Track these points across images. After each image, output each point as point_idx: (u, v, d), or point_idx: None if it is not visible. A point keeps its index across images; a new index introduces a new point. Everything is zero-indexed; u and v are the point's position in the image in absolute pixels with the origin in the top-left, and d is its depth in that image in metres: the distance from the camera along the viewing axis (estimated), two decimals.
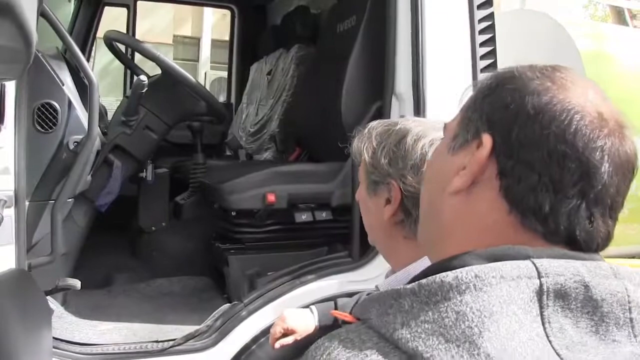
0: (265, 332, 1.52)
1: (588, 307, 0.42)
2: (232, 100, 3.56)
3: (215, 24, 10.59)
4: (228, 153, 3.12)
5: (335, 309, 1.18)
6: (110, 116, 2.28)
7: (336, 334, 0.46)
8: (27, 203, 1.35)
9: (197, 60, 11.13)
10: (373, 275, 1.63)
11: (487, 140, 0.48)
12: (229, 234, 1.98)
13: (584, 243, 0.47)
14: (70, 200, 1.66)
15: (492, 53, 1.67)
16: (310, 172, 1.98)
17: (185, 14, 10.89)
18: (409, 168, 0.85)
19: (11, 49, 0.77)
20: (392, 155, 0.87)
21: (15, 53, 0.79)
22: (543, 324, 0.41)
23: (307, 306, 1.21)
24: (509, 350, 0.39)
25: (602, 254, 0.49)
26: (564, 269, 0.43)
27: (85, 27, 2.91)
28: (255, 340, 1.58)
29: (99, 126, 1.66)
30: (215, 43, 10.59)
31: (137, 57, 2.70)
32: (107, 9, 3.05)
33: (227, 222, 1.97)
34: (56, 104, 1.55)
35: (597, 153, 0.45)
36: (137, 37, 3.18)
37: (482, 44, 1.66)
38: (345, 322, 0.50)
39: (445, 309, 0.41)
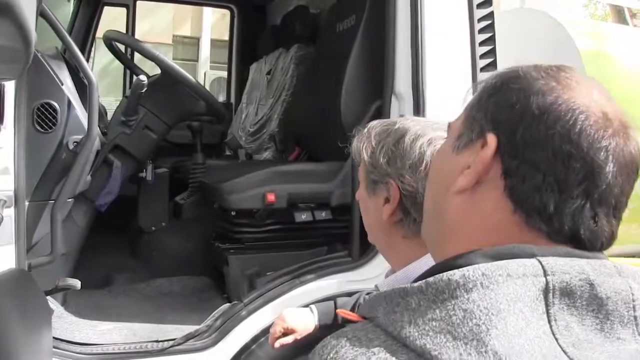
0: (265, 331, 1.52)
1: (593, 305, 0.43)
2: (232, 100, 3.56)
3: (215, 23, 10.59)
4: (228, 153, 3.11)
5: (335, 308, 1.18)
6: (109, 116, 2.28)
7: (343, 333, 0.46)
8: (26, 203, 1.34)
9: (197, 60, 11.14)
10: (373, 275, 1.63)
11: (491, 139, 0.48)
12: (229, 234, 1.98)
13: (588, 242, 0.47)
14: (70, 200, 1.66)
15: (492, 52, 1.67)
16: (310, 172, 1.98)
17: (184, 14, 10.89)
18: (407, 167, 0.85)
19: (10, 49, 0.76)
20: (390, 155, 0.87)
21: (14, 53, 0.79)
22: (549, 321, 0.41)
23: (306, 305, 1.21)
24: (517, 348, 0.39)
25: (605, 252, 0.49)
26: (569, 267, 0.43)
27: (84, 27, 2.91)
28: (255, 339, 1.58)
29: (99, 126, 1.65)
30: (214, 43, 10.59)
31: (137, 57, 2.70)
32: (106, 8, 3.04)
33: (227, 221, 1.97)
34: (56, 104, 1.55)
35: (602, 153, 0.45)
36: (136, 37, 3.17)
37: (482, 43, 1.66)
38: (348, 321, 0.50)
39: (452, 306, 0.41)
